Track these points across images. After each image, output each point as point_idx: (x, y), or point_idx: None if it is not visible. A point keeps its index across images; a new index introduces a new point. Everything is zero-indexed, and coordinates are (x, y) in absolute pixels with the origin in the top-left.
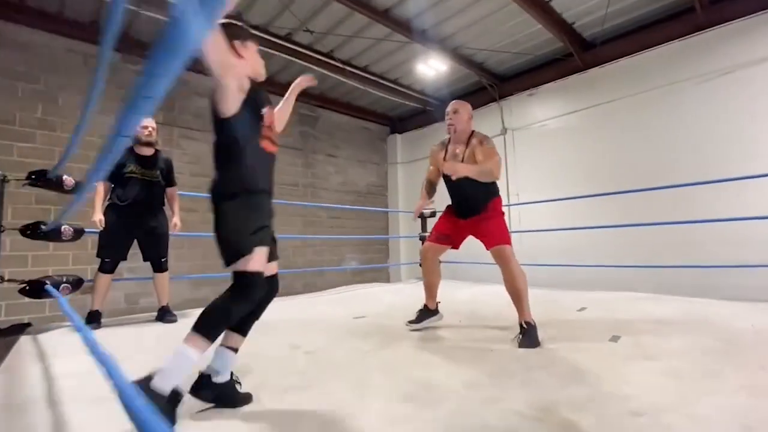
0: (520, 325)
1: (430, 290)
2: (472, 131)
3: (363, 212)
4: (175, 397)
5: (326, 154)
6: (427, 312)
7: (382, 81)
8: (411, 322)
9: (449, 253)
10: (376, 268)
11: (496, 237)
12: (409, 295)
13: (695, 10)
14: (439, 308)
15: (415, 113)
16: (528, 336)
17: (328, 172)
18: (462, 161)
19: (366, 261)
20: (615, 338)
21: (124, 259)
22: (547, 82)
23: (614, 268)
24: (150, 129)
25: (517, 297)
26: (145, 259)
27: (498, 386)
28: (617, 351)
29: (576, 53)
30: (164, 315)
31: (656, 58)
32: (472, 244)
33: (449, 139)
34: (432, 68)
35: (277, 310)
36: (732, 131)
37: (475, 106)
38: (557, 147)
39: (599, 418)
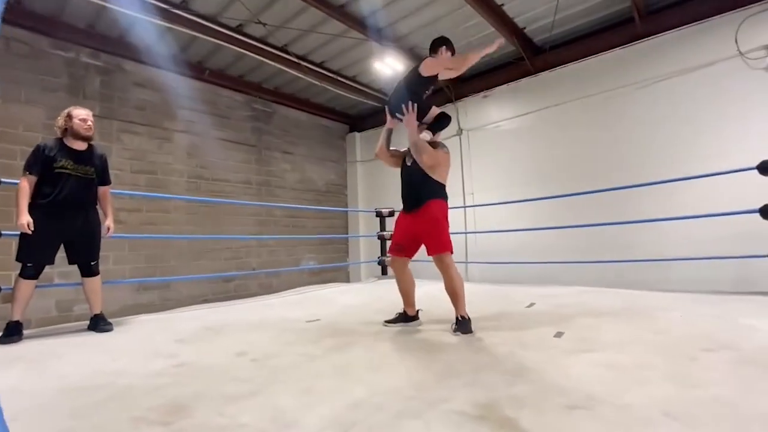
0: (457, 318)
1: (407, 297)
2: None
3: (322, 211)
4: None
5: (282, 151)
6: (405, 317)
7: (339, 78)
8: (388, 322)
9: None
10: (335, 268)
11: (440, 245)
12: (368, 295)
13: (634, 20)
14: (420, 315)
15: (374, 112)
16: (462, 325)
17: (284, 169)
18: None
19: (325, 261)
20: (559, 334)
21: (51, 263)
22: (501, 85)
23: (562, 264)
24: (90, 123)
25: (455, 297)
26: (71, 263)
27: (445, 387)
28: (560, 345)
29: (527, 57)
30: (98, 323)
31: (600, 64)
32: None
33: None
34: (389, 67)
35: (227, 312)
36: (670, 135)
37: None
38: (510, 148)
39: (537, 413)
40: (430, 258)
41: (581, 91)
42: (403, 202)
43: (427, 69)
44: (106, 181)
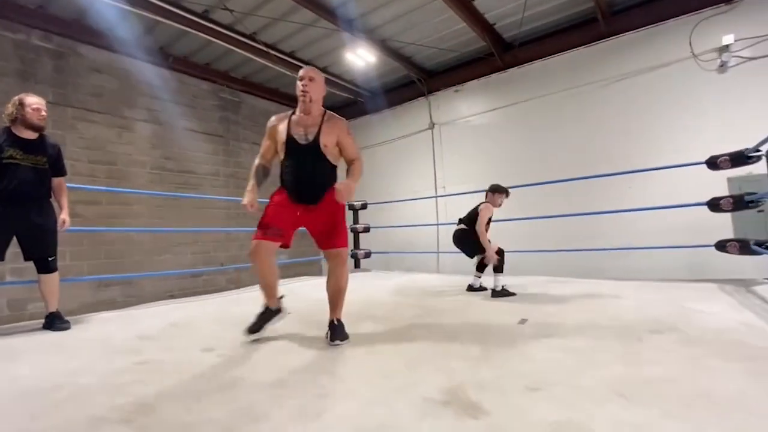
0: (332, 322)
1: (270, 290)
2: (325, 109)
3: None
4: None
5: (251, 142)
6: (269, 313)
7: None
8: (250, 330)
9: (384, 244)
10: (306, 262)
11: (341, 238)
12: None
13: (598, 20)
14: (282, 303)
15: (346, 104)
16: (340, 332)
17: (253, 160)
18: (313, 141)
19: (297, 254)
20: (523, 321)
21: (1, 259)
22: (472, 80)
23: (530, 254)
24: (44, 113)
25: (339, 296)
26: (26, 259)
27: (413, 374)
28: (524, 332)
29: (497, 53)
30: (54, 322)
31: (566, 62)
32: (399, 234)
33: (293, 111)
34: (361, 58)
35: (194, 308)
36: (630, 131)
37: (404, 100)
38: (480, 141)
39: (500, 396)
40: (395, 249)
41: (548, 88)
42: (291, 192)
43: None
44: (60, 171)
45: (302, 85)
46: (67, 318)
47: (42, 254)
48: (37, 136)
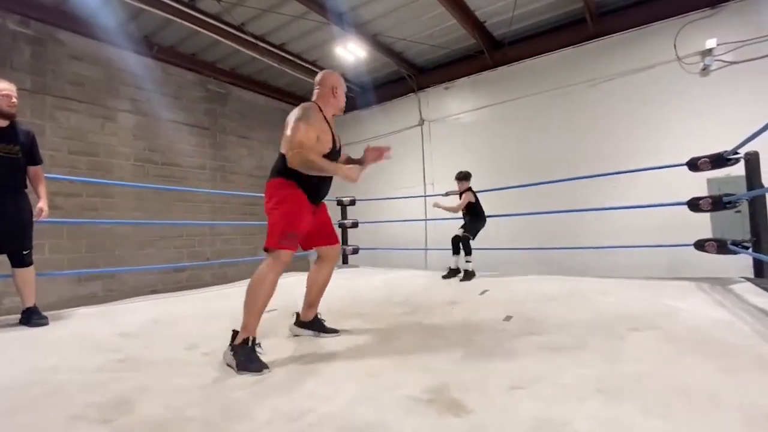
0: (317, 317)
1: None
2: None
3: None
4: None
5: (238, 135)
6: (251, 346)
7: (299, 62)
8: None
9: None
10: (293, 257)
11: (336, 236)
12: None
13: (587, 21)
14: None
15: None
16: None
17: (240, 154)
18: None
19: None
20: (508, 318)
21: None
22: (462, 77)
23: (516, 251)
24: (15, 99)
25: (321, 293)
26: (0, 252)
27: (400, 373)
28: (508, 329)
29: (487, 51)
30: (31, 317)
31: (554, 62)
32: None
33: (320, 108)
34: (351, 53)
35: (178, 304)
36: (615, 132)
37: (394, 96)
38: (469, 139)
39: (483, 395)
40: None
41: (536, 87)
42: (312, 192)
43: None
44: (36, 160)
45: (344, 92)
46: (46, 313)
47: (16, 247)
48: (8, 123)
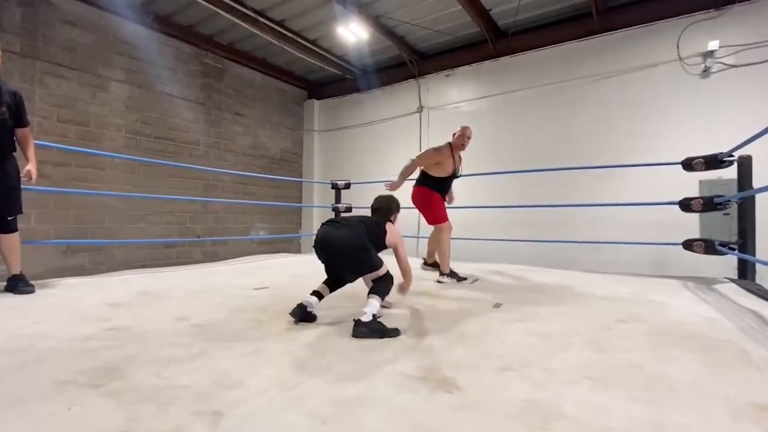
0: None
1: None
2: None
3: (275, 180)
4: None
5: (233, 112)
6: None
7: (299, 39)
8: (458, 278)
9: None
10: (286, 239)
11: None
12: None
13: (592, 15)
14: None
15: (334, 80)
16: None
17: (235, 132)
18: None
19: (276, 231)
20: (498, 305)
21: None
22: (463, 65)
23: (507, 242)
24: None
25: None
26: None
27: (390, 351)
28: (499, 316)
29: (490, 40)
30: (17, 284)
31: (557, 55)
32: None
33: (453, 147)
34: (353, 34)
35: (167, 278)
36: (614, 128)
37: (394, 81)
38: None
39: (473, 374)
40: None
41: (538, 80)
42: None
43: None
44: (23, 122)
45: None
46: (32, 282)
47: (2, 212)
48: None
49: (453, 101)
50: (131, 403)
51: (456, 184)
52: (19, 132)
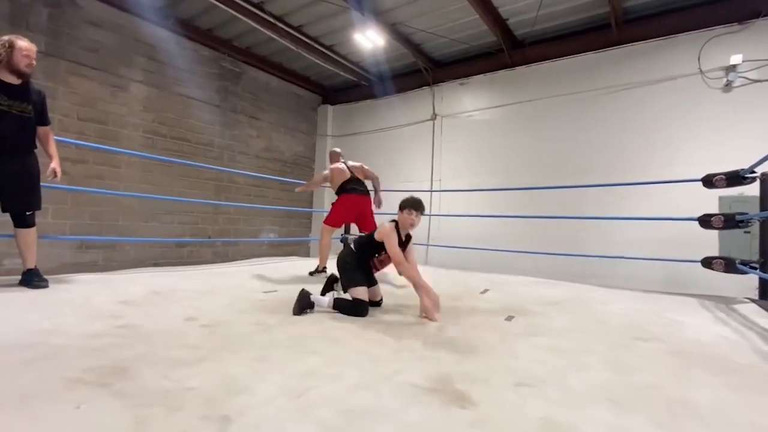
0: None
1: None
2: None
3: (287, 182)
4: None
5: (248, 115)
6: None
7: (316, 45)
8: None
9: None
10: (296, 242)
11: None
12: (329, 270)
13: (611, 27)
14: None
15: (349, 86)
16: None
17: (250, 135)
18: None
19: (286, 234)
20: (510, 318)
21: None
22: (478, 74)
23: (518, 253)
24: (34, 61)
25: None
26: (4, 210)
27: (400, 361)
28: (510, 329)
29: (506, 50)
30: (31, 279)
31: (574, 66)
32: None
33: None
34: (369, 40)
35: (178, 278)
36: (630, 142)
37: (408, 88)
38: (481, 138)
39: (487, 389)
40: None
41: (554, 90)
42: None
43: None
44: (45, 120)
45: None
46: (46, 277)
47: (20, 208)
48: (22, 82)
49: (467, 110)
50: (139, 405)
51: (471, 196)
52: (41, 130)
